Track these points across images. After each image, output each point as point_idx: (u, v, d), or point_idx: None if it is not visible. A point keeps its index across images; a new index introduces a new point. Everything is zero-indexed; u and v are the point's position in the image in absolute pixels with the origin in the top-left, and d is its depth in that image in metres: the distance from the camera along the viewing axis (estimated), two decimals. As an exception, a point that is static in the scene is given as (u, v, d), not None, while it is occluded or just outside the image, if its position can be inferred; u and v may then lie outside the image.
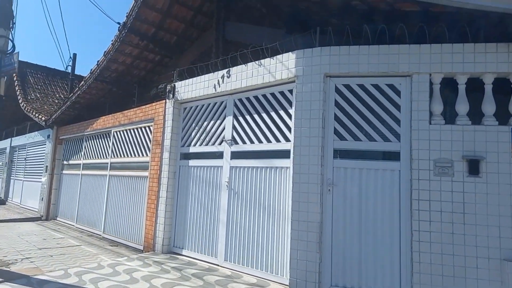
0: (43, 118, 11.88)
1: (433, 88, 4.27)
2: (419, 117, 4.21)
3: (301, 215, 4.47)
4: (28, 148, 14.68)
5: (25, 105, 13.97)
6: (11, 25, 6.01)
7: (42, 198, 12.06)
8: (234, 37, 7.65)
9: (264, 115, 5.28)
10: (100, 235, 8.40)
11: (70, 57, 12.15)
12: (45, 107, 14.80)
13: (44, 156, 12.62)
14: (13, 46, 6.04)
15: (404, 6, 4.45)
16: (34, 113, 12.77)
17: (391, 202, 4.29)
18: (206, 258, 5.79)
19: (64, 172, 11.14)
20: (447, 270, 4.00)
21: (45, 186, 11.89)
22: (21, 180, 15.01)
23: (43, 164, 12.87)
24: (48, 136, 12.41)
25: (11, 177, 16.52)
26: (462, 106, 4.21)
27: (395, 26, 4.54)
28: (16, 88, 15.42)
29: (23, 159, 14.99)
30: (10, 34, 6.03)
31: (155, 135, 6.96)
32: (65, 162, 11.19)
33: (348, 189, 4.44)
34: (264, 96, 5.31)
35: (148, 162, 7.14)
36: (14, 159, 16.50)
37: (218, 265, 5.57)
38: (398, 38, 4.48)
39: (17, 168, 15.88)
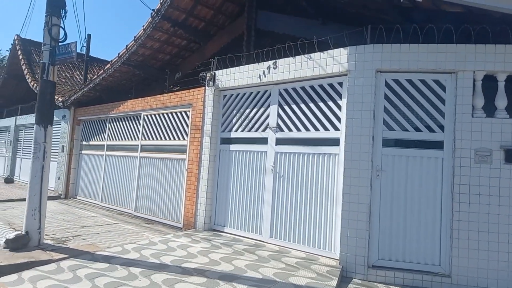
0: (60, 99, 11.95)
1: (475, 84, 4.74)
2: (463, 110, 4.68)
3: (351, 197, 4.95)
4: (38, 128, 14.69)
5: (35, 84, 13.94)
6: (62, 14, 6.15)
7: (59, 177, 12.28)
8: (266, 26, 7.93)
9: (312, 105, 5.68)
10: (132, 213, 8.77)
11: (85, 38, 12.14)
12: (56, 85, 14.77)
13: (58, 136, 12.74)
14: (65, 34, 6.20)
15: (450, 8, 4.84)
16: (48, 94, 12.78)
17: (434, 186, 4.81)
18: (250, 235, 6.27)
19: (83, 152, 11.36)
20: (482, 244, 4.57)
21: (62, 165, 12.10)
22: (30, 159, 15.06)
23: (57, 144, 13.00)
24: (64, 117, 12.50)
25: (17, 156, 16.55)
26: (501, 101, 4.70)
27: (436, 24, 4.96)
28: (23, 67, 15.31)
29: (33, 138, 15.01)
30: (62, 23, 6.18)
31: (193, 120, 7.29)
32: (84, 143, 11.38)
33: (396, 175, 4.93)
34: (312, 87, 5.70)
35: (186, 146, 7.49)
36: (20, 138, 16.49)
37: (263, 242, 6.06)
38: (442, 37, 4.89)
39: (24, 147, 15.91)
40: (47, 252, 5.61)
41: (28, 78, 14.66)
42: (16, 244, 5.64)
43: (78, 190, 11.27)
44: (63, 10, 6.17)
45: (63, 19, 6.20)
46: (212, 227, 6.87)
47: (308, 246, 5.50)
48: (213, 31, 9.19)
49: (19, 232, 5.88)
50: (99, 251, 5.69)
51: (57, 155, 12.67)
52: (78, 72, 17.66)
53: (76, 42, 5.93)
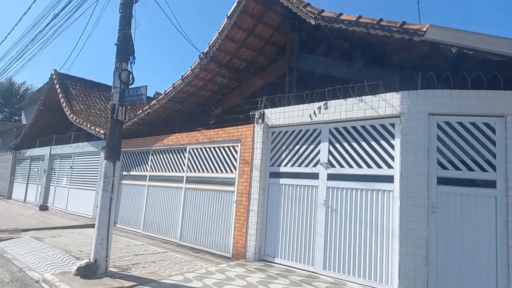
0: (101, 131, 12.44)
1: (524, 127, 5.03)
2: (514, 151, 4.96)
3: (409, 232, 5.17)
4: (75, 157, 15.18)
5: (74, 117, 14.52)
6: (131, 60, 6.65)
7: (97, 206, 12.59)
8: (308, 67, 8.38)
9: (364, 144, 6.00)
10: (176, 242, 8.99)
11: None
12: (91, 118, 15.37)
13: (97, 166, 13.18)
14: (132, 78, 6.66)
15: (495, 57, 5.20)
16: (88, 126, 13.33)
17: (488, 223, 5.02)
18: (302, 266, 6.45)
19: (123, 182, 11.70)
20: (538, 280, 4.73)
21: (100, 194, 12.46)
22: (65, 187, 15.47)
23: (94, 173, 13.42)
24: (103, 148, 12.95)
25: (51, 184, 16.95)
26: (550, 143, 4.98)
27: (477, 69, 5.33)
28: (62, 100, 15.94)
29: (69, 167, 15.45)
30: (130, 68, 6.66)
31: (242, 154, 7.63)
32: (124, 173, 11.74)
33: (451, 211, 5.15)
34: (363, 127, 6.03)
35: (234, 179, 7.79)
36: (54, 167, 16.94)
37: (317, 273, 6.23)
38: (489, 83, 5.24)
39: (59, 176, 16.32)
40: (116, 279, 5.84)
41: (67, 111, 15.25)
42: (87, 271, 5.89)
43: (118, 218, 11.52)
44: (132, 56, 6.67)
45: (132, 64, 6.69)
46: (262, 257, 7.06)
47: (363, 279, 5.67)
48: (253, 70, 9.69)
49: (88, 260, 6.13)
50: (163, 280, 5.91)
51: (95, 184, 13.07)
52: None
53: (146, 86, 6.36)
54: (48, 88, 17.68)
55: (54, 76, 17.00)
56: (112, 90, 6.60)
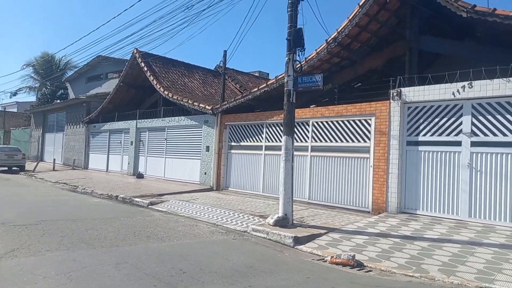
0: (208, 107, 13.71)
1: None
2: None
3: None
4: (169, 130, 16.56)
5: (170, 94, 15.68)
6: (302, 51, 7.77)
7: (205, 173, 14.11)
8: (429, 48, 9.42)
9: (508, 116, 7.19)
10: (305, 201, 10.38)
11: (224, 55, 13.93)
12: (179, 93, 16.64)
13: (201, 138, 14.56)
14: (301, 67, 7.83)
15: None
16: (190, 102, 14.59)
17: None
18: (447, 215, 7.80)
19: (232, 151, 13.14)
20: None
21: (206, 163, 13.95)
22: (160, 157, 16.92)
23: (197, 144, 14.82)
24: (206, 122, 14.29)
25: (140, 154, 18.51)
26: None
27: None
28: (151, 78, 17.08)
29: (163, 139, 16.85)
30: (299, 58, 7.79)
31: (378, 126, 8.86)
32: (233, 144, 13.13)
33: None
34: (508, 102, 7.20)
35: (369, 147, 9.06)
36: (143, 139, 18.38)
37: (463, 220, 7.55)
38: None
39: (149, 147, 17.79)
40: (306, 228, 7.22)
41: (160, 88, 16.36)
42: (283, 222, 7.30)
43: (230, 183, 13.06)
44: (302, 48, 7.79)
45: (301, 55, 7.83)
46: (402, 210, 8.46)
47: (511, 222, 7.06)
48: (363, 50, 10.74)
49: (279, 214, 7.53)
50: (341, 228, 7.30)
51: (200, 154, 14.53)
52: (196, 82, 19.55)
53: (322, 74, 7.57)
54: (129, 65, 18.71)
55: (137, 55, 17.90)
56: (286, 78, 7.72)
